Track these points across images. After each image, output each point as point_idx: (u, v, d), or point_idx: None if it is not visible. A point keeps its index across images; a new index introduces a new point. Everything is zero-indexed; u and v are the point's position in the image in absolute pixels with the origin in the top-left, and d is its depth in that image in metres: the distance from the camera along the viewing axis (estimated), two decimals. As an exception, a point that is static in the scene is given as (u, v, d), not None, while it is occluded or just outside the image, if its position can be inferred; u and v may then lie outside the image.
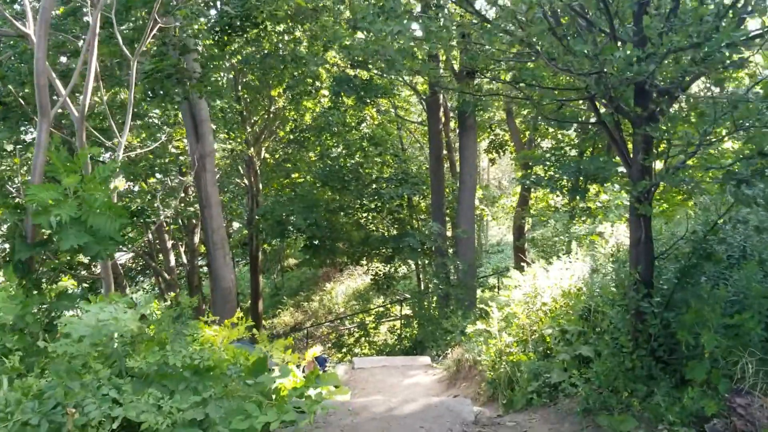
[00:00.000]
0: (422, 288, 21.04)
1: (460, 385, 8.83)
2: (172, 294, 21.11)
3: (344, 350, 21.65)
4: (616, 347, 5.65)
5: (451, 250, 16.20)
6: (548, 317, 7.44)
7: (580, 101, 6.03)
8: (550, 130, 18.54)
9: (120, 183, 6.77)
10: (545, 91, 5.44)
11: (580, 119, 10.82)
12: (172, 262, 21.48)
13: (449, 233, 17.52)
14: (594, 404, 5.42)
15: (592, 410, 5.43)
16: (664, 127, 4.83)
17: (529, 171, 19.10)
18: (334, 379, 6.90)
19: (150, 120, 14.67)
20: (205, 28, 11.88)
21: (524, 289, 7.97)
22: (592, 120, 6.03)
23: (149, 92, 10.48)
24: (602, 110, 5.59)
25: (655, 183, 5.02)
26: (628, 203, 5.75)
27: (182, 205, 18.71)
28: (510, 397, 6.74)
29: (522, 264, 20.82)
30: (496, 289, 20.84)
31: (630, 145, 5.45)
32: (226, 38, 12.39)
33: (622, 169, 15.19)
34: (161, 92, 10.21)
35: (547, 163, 16.97)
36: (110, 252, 4.40)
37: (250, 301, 27.08)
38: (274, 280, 35.49)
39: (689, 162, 5.21)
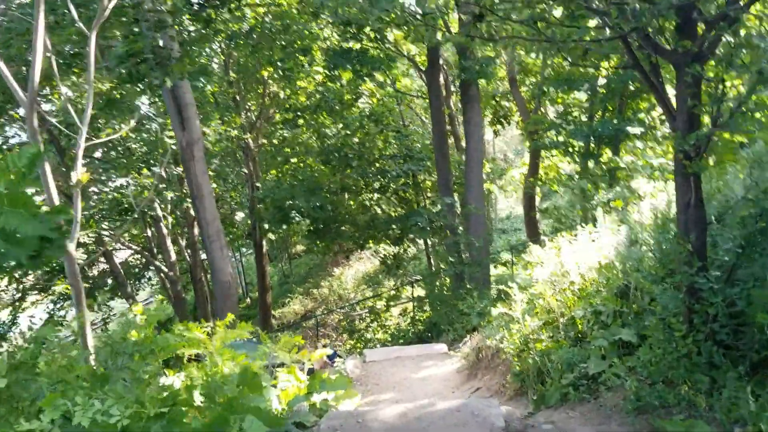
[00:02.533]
0: (433, 268, 20.21)
1: (481, 377, 8.02)
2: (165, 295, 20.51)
3: (356, 336, 20.92)
4: (665, 331, 4.81)
5: (461, 228, 15.35)
6: (578, 297, 6.59)
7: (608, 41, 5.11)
8: (560, 93, 17.53)
9: (84, 176, 5.97)
10: (570, 30, 4.56)
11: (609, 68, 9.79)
12: (173, 257, 20.70)
13: (458, 210, 16.65)
14: (646, 401, 4.59)
15: (645, 408, 4.59)
16: (720, 66, 3.94)
17: (537, 138, 18.21)
18: (342, 382, 6.10)
19: (136, 109, 13.74)
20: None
21: (549, 267, 7.11)
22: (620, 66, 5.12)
23: (126, 77, 9.58)
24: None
25: (710, 132, 4.13)
26: (662, 162, 4.89)
27: (177, 196, 17.88)
28: (541, 391, 5.91)
29: (537, 238, 20.05)
30: (510, 265, 20.04)
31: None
32: (210, 13, 11.48)
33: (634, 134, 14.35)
34: (138, 77, 9.32)
35: (559, 129, 16.09)
36: (49, 257, 3.57)
37: (258, 292, 26.46)
38: (282, 268, 34.84)
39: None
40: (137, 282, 27.54)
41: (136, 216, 19.23)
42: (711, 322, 4.45)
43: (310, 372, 10.77)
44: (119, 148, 16.73)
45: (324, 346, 12.81)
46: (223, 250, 12.44)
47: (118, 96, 13.07)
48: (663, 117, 12.40)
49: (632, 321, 5.78)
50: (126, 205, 16.52)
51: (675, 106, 4.54)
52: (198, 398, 5.51)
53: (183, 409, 3.86)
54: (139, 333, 6.70)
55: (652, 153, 9.81)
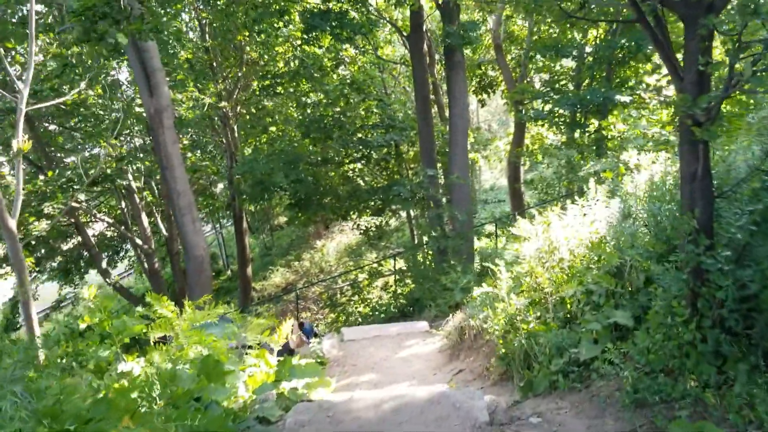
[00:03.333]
0: (416, 241, 19.78)
1: (464, 358, 7.60)
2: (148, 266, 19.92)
3: (337, 310, 20.50)
4: (666, 314, 4.36)
5: (444, 199, 14.86)
6: (567, 276, 6.14)
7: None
8: (546, 61, 16.98)
9: (25, 144, 5.37)
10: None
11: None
12: (148, 230, 20.08)
13: (442, 181, 16.15)
14: (645, 393, 4.15)
15: (643, 402, 4.16)
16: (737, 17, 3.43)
17: (523, 108, 17.71)
18: (314, 369, 5.64)
19: (96, 72, 12.96)
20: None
21: (536, 242, 6.64)
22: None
23: (83, 36, 8.87)
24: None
25: (727, 94, 3.63)
26: (655, 132, 4.39)
27: (149, 166, 17.20)
28: (528, 377, 5.48)
29: (522, 209, 19.63)
30: (494, 238, 19.64)
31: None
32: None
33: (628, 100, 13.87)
34: (96, 36, 8.63)
35: (545, 98, 15.58)
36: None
37: (238, 265, 25.97)
38: (264, 240, 34.32)
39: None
40: (115, 255, 26.87)
41: (108, 186, 18.63)
42: (719, 307, 4.00)
43: (286, 350, 10.33)
44: (89, 117, 15.95)
45: (302, 322, 12.33)
46: (196, 224, 11.86)
47: (80, 60, 12.29)
48: (655, 84, 11.93)
49: (627, 302, 5.34)
50: (96, 176, 15.78)
51: (682, 66, 4.04)
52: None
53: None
54: (93, 317, 6.20)
55: (645, 122, 9.34)
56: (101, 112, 14.98)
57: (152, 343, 6.56)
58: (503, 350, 6.12)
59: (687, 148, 4.10)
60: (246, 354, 6.93)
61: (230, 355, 6.57)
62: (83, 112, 13.96)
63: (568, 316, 5.98)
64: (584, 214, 6.59)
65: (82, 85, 10.97)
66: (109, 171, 15.17)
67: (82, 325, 6.14)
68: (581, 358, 5.09)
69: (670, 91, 11.61)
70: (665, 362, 4.25)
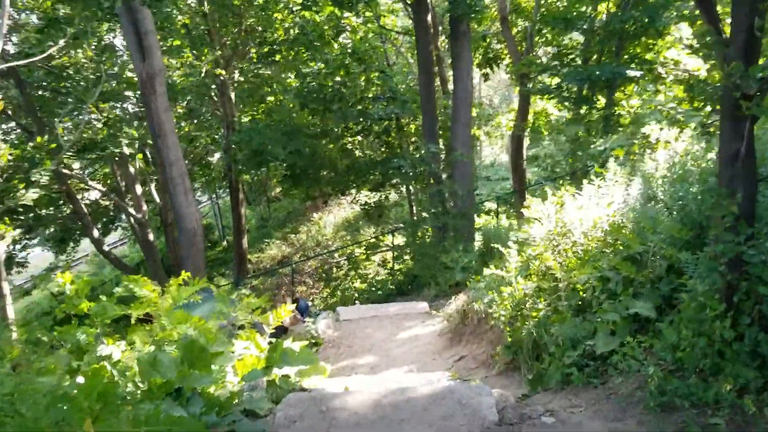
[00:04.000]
0: (415, 217, 19.35)
1: (466, 343, 7.23)
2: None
3: (333, 285, 20.17)
4: (697, 309, 3.96)
5: (445, 176, 14.39)
6: (581, 261, 5.73)
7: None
8: (554, 34, 16.39)
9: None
10: None
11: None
12: (142, 200, 19.62)
13: (443, 156, 15.67)
14: (673, 396, 3.76)
15: (671, 405, 3.77)
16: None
17: (528, 81, 17.18)
18: (308, 356, 5.23)
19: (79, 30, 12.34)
20: None
21: (548, 224, 6.21)
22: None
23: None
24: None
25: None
26: (671, 108, 3.95)
27: (143, 134, 16.67)
28: (538, 369, 5.10)
29: (524, 187, 19.19)
30: (495, 215, 19.23)
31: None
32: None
33: (634, 74, 13.33)
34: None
35: (553, 71, 15.05)
36: None
37: (233, 236, 25.60)
38: (261, 212, 33.90)
39: None
40: (109, 224, 26.46)
41: (100, 154, 18.12)
42: (758, 302, 3.59)
43: (280, 328, 9.96)
44: (79, 80, 15.36)
45: (296, 299, 11.96)
46: (188, 195, 11.42)
47: (70, 20, 11.70)
48: (669, 60, 11.41)
49: (647, 292, 4.93)
50: (79, 142, 15.25)
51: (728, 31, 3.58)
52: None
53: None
54: (70, 305, 5.81)
55: (663, 97, 8.87)
56: (92, 77, 14.40)
57: (133, 323, 6.19)
58: (510, 339, 5.73)
59: (730, 125, 3.66)
60: (236, 334, 6.54)
61: (219, 336, 6.19)
62: (73, 75, 13.39)
63: (580, 304, 5.58)
64: (600, 195, 6.15)
65: (61, 42, 10.39)
66: (99, 138, 14.66)
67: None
68: (597, 351, 4.70)
69: (689, 67, 11.13)
70: (695, 361, 3.85)
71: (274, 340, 6.79)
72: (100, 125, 15.09)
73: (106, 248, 21.65)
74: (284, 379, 5.07)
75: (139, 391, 4.17)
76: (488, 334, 6.67)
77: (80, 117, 14.49)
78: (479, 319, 7.07)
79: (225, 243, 32.18)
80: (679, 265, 4.89)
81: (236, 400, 4.61)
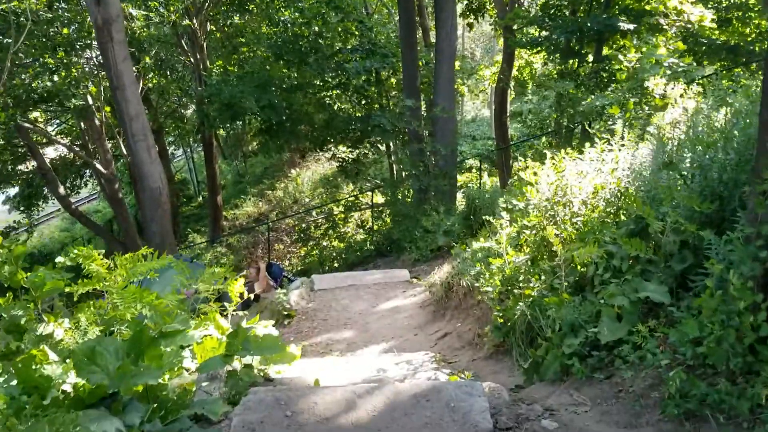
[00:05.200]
0: (395, 176, 18.68)
1: (450, 318, 6.67)
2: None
3: (311, 245, 19.58)
4: (725, 299, 3.38)
5: (426, 133, 13.68)
6: (581, 233, 5.13)
7: None
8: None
9: None
10: None
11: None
12: (109, 154, 18.66)
13: (425, 114, 14.94)
14: (697, 403, 3.20)
15: (695, 413, 3.22)
16: None
17: (515, 33, 16.40)
18: (273, 343, 4.61)
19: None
20: None
21: (545, 191, 5.58)
22: None
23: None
24: None
25: None
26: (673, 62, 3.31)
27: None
28: (534, 357, 4.52)
29: (507, 144, 18.55)
30: (478, 173, 18.63)
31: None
32: None
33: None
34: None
35: (540, 23, 14.28)
36: None
37: (208, 192, 24.89)
38: (237, 167, 33.03)
39: None
40: (78, 179, 25.53)
41: (63, 107, 17.12)
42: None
43: (256, 299, 9.33)
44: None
45: (270, 263, 11.34)
46: (152, 151, 10.62)
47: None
48: (671, 9, 10.67)
49: (658, 271, 4.35)
50: (44, 94, 14.27)
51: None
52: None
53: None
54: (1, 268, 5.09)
55: (664, 51, 8.20)
56: (45, 26, 13.33)
57: (81, 300, 5.55)
58: (500, 319, 5.15)
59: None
60: (198, 308, 5.90)
61: (179, 312, 5.56)
62: (23, 22, 12.35)
63: (578, 281, 5.01)
64: (603, 160, 5.52)
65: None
66: (57, 89, 13.67)
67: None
68: (602, 339, 4.12)
69: (694, 17, 10.42)
70: (723, 360, 3.29)
71: (240, 312, 6.18)
72: (56, 76, 14.04)
73: (77, 203, 20.79)
74: (246, 370, 4.46)
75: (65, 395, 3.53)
76: (475, 310, 6.10)
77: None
78: (464, 293, 6.50)
79: (201, 198, 31.42)
80: (693, 241, 4.33)
81: (189, 398, 4.00)
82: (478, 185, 14.42)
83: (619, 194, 5.19)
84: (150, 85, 20.43)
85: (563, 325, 4.42)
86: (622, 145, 5.29)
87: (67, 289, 5.20)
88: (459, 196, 14.45)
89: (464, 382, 3.84)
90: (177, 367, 4.98)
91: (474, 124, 33.25)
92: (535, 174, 5.94)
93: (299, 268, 18.26)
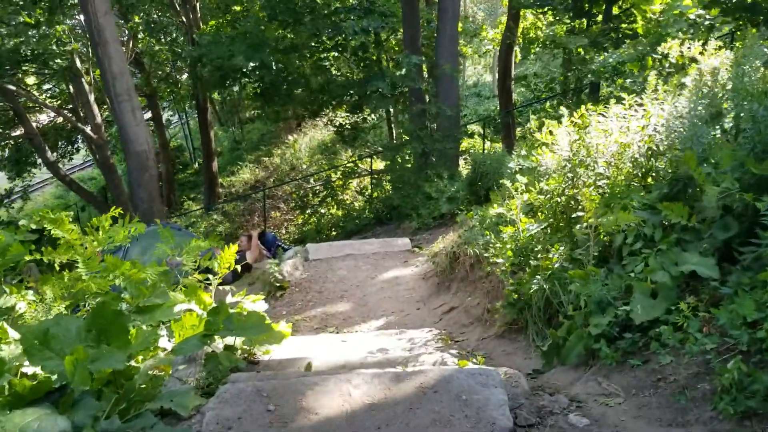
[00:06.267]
0: (395, 141, 18.01)
1: (456, 291, 6.13)
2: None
3: (308, 212, 19.02)
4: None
5: (426, 97, 12.99)
6: (607, 197, 4.55)
7: None
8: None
9: None
10: None
11: None
12: (98, 118, 17.95)
13: (425, 72, 14.23)
14: (762, 399, 2.66)
15: (756, 412, 2.68)
16: None
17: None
18: (257, 322, 4.05)
19: None
20: None
21: (564, 151, 4.98)
22: None
23: None
24: None
25: None
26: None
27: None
28: (554, 337, 3.97)
29: (510, 108, 17.86)
30: (482, 139, 18.00)
31: None
32: None
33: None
34: None
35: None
36: None
37: (203, 159, 24.28)
38: (234, 133, 32.32)
39: None
40: (70, 146, 24.86)
41: (50, 69, 16.42)
42: None
43: (243, 266, 8.78)
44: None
45: (263, 232, 10.78)
46: (137, 113, 9.99)
47: None
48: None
49: (697, 240, 3.79)
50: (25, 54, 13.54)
51: None
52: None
53: None
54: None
55: (689, 1, 7.53)
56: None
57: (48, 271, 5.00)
58: (515, 295, 4.60)
59: None
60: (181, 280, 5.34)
61: (159, 284, 5.00)
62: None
63: (602, 251, 4.45)
64: (629, 117, 4.90)
65: None
66: (41, 49, 12.96)
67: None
68: (636, 319, 3.57)
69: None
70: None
71: (228, 287, 5.63)
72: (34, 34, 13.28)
73: (72, 170, 20.17)
74: (227, 353, 3.93)
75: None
76: (483, 282, 5.55)
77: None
78: (472, 264, 5.94)
79: (197, 165, 30.78)
80: (738, 207, 3.76)
81: (159, 386, 3.47)
82: (482, 151, 13.80)
83: (649, 153, 4.60)
84: (140, 45, 19.66)
85: (589, 302, 3.86)
86: (655, 98, 4.67)
87: (35, 257, 4.65)
88: (461, 162, 13.86)
89: (478, 370, 3.29)
90: (153, 347, 4.47)
91: (476, 89, 32.43)
92: (550, 133, 5.33)
93: (296, 237, 17.73)
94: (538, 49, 16.63)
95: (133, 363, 4.32)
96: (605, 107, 5.20)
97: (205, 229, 19.64)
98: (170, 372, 4.04)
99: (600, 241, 4.44)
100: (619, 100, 4.86)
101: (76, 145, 24.40)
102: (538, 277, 4.40)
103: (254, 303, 4.79)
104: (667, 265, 3.65)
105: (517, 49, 18.83)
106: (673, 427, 2.87)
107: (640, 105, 4.73)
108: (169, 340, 4.47)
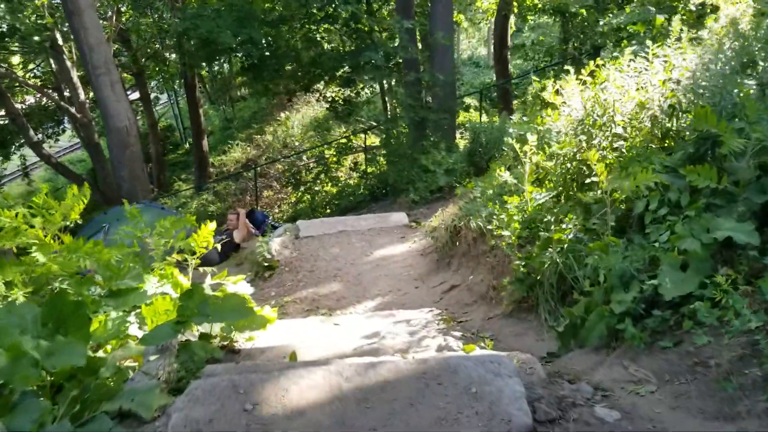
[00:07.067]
0: (389, 115, 17.47)
1: (457, 267, 5.69)
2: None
3: (302, 189, 18.56)
4: None
5: (421, 68, 12.46)
6: (624, 160, 4.10)
7: None
8: None
9: None
10: None
11: None
12: (82, 96, 17.34)
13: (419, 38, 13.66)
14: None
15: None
16: None
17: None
18: (237, 305, 3.60)
19: None
20: None
21: (577, 111, 4.51)
22: None
23: None
24: None
25: None
26: None
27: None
28: (570, 316, 3.53)
29: (508, 80, 17.32)
30: (479, 112, 17.48)
31: None
32: None
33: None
34: None
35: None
36: None
37: (192, 138, 23.78)
38: (225, 112, 31.72)
39: None
40: (57, 126, 24.30)
41: (29, 46, 15.80)
42: None
43: (231, 246, 8.33)
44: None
45: (252, 209, 10.31)
46: (116, 87, 9.46)
47: None
48: None
49: (735, 205, 3.35)
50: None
51: None
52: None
53: None
54: None
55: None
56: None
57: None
58: (523, 269, 4.16)
59: None
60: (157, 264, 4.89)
61: (134, 266, 4.56)
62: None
63: (620, 220, 4.00)
64: (645, 72, 4.42)
65: None
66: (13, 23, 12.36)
67: None
68: (666, 294, 3.14)
69: None
70: None
71: (210, 269, 5.18)
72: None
73: (62, 152, 19.60)
74: (202, 342, 3.48)
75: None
76: (488, 257, 5.10)
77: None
78: (474, 237, 5.50)
79: (187, 145, 30.22)
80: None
81: (121, 383, 3.03)
82: (485, 122, 13.30)
83: (671, 111, 4.14)
84: (124, 20, 19.03)
85: (610, 276, 3.43)
86: (678, 48, 4.18)
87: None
88: (458, 135, 13.38)
89: (488, 356, 2.86)
90: (122, 335, 4.05)
91: (471, 63, 31.81)
92: (557, 93, 4.86)
93: (289, 216, 17.28)
94: (535, 15, 16.04)
95: (100, 354, 3.91)
96: (621, 62, 4.73)
97: (196, 210, 19.20)
98: (143, 363, 3.63)
99: (617, 209, 3.99)
100: (634, 55, 4.37)
101: (62, 126, 23.83)
102: (550, 249, 3.96)
103: (236, 284, 4.35)
104: (697, 232, 3.21)
105: (512, 19, 18.26)
106: (720, 421, 2.44)
107: (657, 57, 4.24)
108: (140, 328, 4.06)
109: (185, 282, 4.30)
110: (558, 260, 3.90)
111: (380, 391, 2.60)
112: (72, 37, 15.27)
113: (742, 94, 3.65)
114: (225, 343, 3.76)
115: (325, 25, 17.36)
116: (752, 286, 2.96)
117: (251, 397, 2.60)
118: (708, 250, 3.18)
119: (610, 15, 9.09)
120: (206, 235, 4.52)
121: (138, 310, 4.05)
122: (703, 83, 3.86)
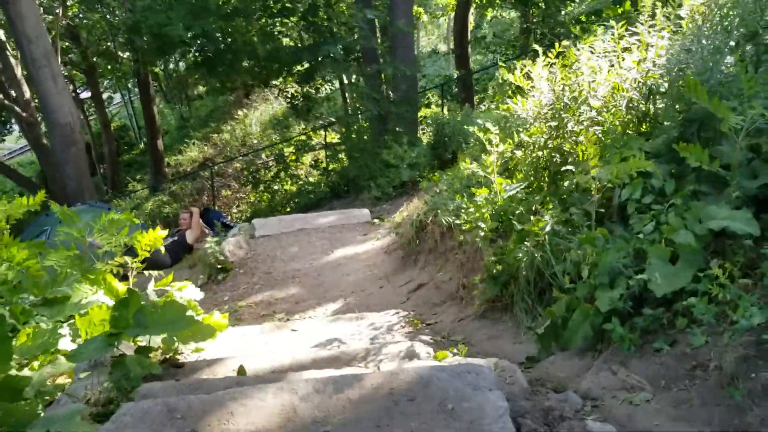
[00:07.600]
0: (350, 110, 17.07)
1: (424, 264, 5.36)
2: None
3: (261, 188, 18.08)
4: None
5: (381, 59, 12.12)
6: (601, 146, 3.80)
7: None
8: None
9: None
10: None
11: None
12: (27, 95, 16.52)
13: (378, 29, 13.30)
14: None
15: None
16: None
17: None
18: (178, 314, 3.19)
19: None
20: None
21: (546, 95, 4.20)
22: None
23: None
24: None
25: None
26: None
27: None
28: (551, 316, 3.21)
29: (468, 72, 17.09)
30: (441, 107, 17.20)
31: None
32: None
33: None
34: None
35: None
36: None
37: (147, 138, 23.08)
38: (181, 110, 30.90)
39: None
40: (3, 126, 23.35)
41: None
42: None
43: (183, 247, 7.86)
44: None
45: (206, 208, 9.84)
46: (58, 80, 8.89)
47: None
48: None
49: (731, 189, 3.06)
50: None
51: None
52: None
53: None
54: None
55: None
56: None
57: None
58: (498, 266, 3.84)
59: None
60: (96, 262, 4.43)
61: (71, 271, 4.12)
62: None
63: (598, 210, 3.71)
64: (619, 53, 4.13)
65: None
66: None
67: None
68: (657, 291, 2.84)
69: None
70: None
71: (154, 273, 4.74)
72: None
73: (13, 154, 18.71)
74: (138, 356, 3.06)
75: None
76: (457, 254, 4.78)
77: None
78: (441, 233, 5.16)
79: (142, 144, 29.37)
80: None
81: (39, 407, 2.62)
82: (441, 113, 13.01)
83: (647, 94, 3.86)
84: (70, 14, 18.25)
85: (596, 271, 3.12)
86: (652, 26, 3.89)
87: None
88: (420, 130, 13.06)
89: (464, 366, 2.51)
90: (53, 349, 3.63)
91: (430, 60, 31.60)
92: (527, 77, 4.54)
93: (248, 215, 16.79)
94: (497, 7, 15.83)
95: (26, 372, 3.47)
96: (591, 39, 4.44)
97: (152, 211, 18.56)
98: (73, 381, 3.23)
99: (599, 197, 3.70)
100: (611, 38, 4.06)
101: (8, 126, 22.87)
102: (527, 243, 3.65)
103: (182, 290, 3.93)
104: (690, 223, 2.92)
105: (471, 15, 18.05)
106: (720, 434, 2.15)
107: (632, 35, 3.95)
108: (74, 341, 3.63)
109: (121, 288, 3.86)
110: (536, 255, 3.59)
111: (342, 412, 2.24)
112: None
113: (732, 69, 3.38)
114: (168, 356, 3.35)
115: (282, 19, 16.91)
116: (750, 278, 2.69)
117: (190, 423, 2.21)
118: (701, 241, 2.89)
119: (572, 4, 8.86)
120: (153, 238, 4.08)
121: (72, 321, 3.63)
122: (689, 61, 3.58)
